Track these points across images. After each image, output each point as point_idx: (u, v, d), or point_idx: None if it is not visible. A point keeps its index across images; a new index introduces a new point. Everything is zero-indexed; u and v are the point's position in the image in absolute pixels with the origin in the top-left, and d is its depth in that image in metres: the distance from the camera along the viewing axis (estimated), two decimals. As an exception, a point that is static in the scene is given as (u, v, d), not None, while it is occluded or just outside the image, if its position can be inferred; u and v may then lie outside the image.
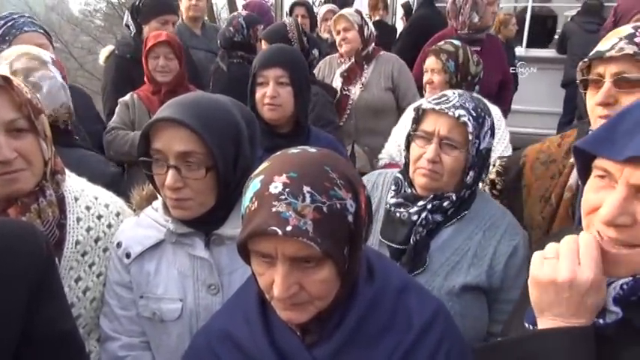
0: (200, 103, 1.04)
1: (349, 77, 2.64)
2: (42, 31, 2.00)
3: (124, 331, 1.12)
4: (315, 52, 2.45)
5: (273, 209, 0.75)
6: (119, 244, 1.12)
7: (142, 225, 1.13)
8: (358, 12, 2.70)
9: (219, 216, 1.08)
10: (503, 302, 1.18)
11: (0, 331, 0.81)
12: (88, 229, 1.13)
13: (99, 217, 1.16)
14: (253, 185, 0.79)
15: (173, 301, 1.09)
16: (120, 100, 2.37)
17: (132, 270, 1.11)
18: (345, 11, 2.72)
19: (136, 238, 1.11)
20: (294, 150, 0.83)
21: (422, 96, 2.35)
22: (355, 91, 2.61)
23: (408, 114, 2.23)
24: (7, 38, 1.84)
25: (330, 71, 2.75)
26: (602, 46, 1.13)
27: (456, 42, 2.11)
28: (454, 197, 1.21)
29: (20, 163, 1.00)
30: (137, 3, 2.83)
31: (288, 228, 0.73)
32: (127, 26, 2.89)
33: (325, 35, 3.78)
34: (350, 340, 0.84)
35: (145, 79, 2.40)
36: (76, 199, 1.14)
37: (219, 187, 1.05)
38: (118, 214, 1.20)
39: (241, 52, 2.70)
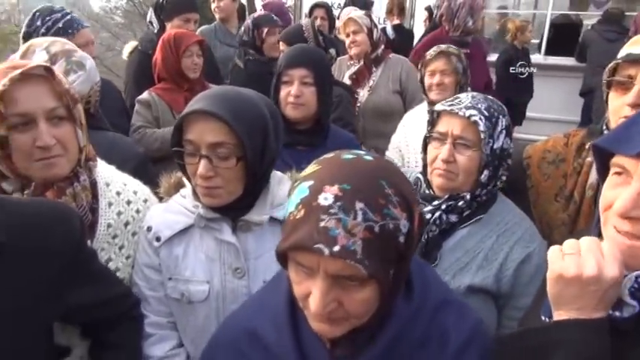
0: (230, 96, 1.09)
1: (358, 80, 2.67)
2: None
3: (152, 310, 1.18)
4: (332, 51, 2.51)
5: (322, 224, 0.70)
6: (149, 228, 1.17)
7: (171, 211, 1.19)
8: (367, 15, 2.74)
9: (245, 203, 1.14)
10: (513, 309, 1.19)
11: (36, 299, 0.88)
12: (119, 214, 1.18)
13: (128, 202, 1.21)
14: (300, 191, 0.74)
15: (200, 283, 1.14)
16: (138, 99, 2.42)
17: (161, 253, 1.16)
18: (354, 14, 2.75)
19: (165, 223, 1.16)
20: (347, 155, 0.77)
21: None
22: (363, 93, 2.65)
23: (406, 120, 2.29)
24: (69, 31, 1.95)
25: (340, 73, 2.80)
26: (634, 49, 1.15)
27: (453, 46, 2.18)
28: (468, 197, 1.23)
29: (58, 149, 1.06)
30: (161, 1, 2.91)
31: (336, 248, 0.69)
32: (151, 23, 2.96)
33: (342, 37, 3.84)
34: (384, 356, 0.81)
35: (166, 76, 2.42)
36: (107, 185, 1.20)
37: (247, 177, 1.10)
38: (145, 201, 1.26)
39: (252, 50, 2.81)
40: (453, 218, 1.25)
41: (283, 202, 1.16)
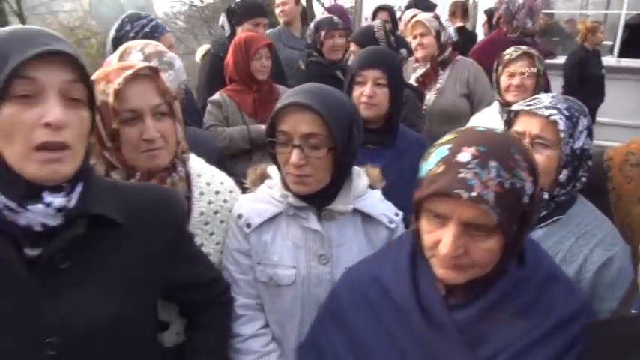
0: (321, 91, 1.16)
1: (424, 82, 2.68)
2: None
3: (241, 292, 1.26)
4: (404, 51, 2.53)
5: (460, 175, 0.81)
6: (240, 216, 1.26)
7: (260, 200, 1.27)
8: (436, 17, 2.73)
9: (330, 193, 1.21)
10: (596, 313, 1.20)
11: (147, 274, 0.97)
12: (209, 202, 1.27)
13: (217, 192, 1.30)
14: (439, 152, 0.86)
15: (287, 268, 1.21)
16: (210, 99, 2.55)
17: (251, 239, 1.24)
18: (422, 16, 2.76)
19: (255, 211, 1.25)
20: (480, 128, 0.90)
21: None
22: (430, 96, 2.65)
23: (474, 123, 2.24)
24: (154, 35, 2.10)
25: (406, 76, 2.79)
26: None
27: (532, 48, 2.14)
28: (546, 196, 1.23)
29: (161, 142, 1.16)
30: (233, 6, 3.05)
31: (473, 194, 0.79)
32: (222, 27, 3.11)
33: (409, 39, 3.85)
34: (490, 312, 0.89)
35: (236, 77, 2.54)
36: (199, 176, 1.29)
37: (335, 167, 1.17)
38: (230, 191, 1.34)
39: (315, 53, 2.89)
40: None
41: (363, 194, 1.25)
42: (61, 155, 0.81)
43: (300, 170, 1.15)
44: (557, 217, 1.25)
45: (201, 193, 1.27)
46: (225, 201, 1.31)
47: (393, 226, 1.26)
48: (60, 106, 0.80)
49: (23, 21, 9.72)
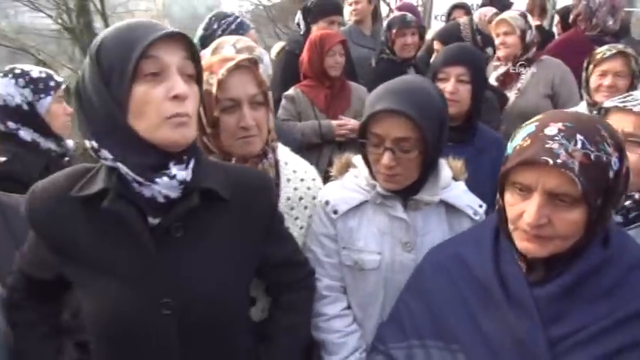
0: (413, 92, 1.18)
1: (505, 82, 2.62)
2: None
3: (326, 274, 1.33)
4: (490, 50, 2.49)
5: (547, 146, 0.85)
6: (327, 202, 1.32)
7: (347, 188, 1.33)
8: (523, 15, 2.65)
9: (417, 184, 1.25)
10: None
11: (248, 248, 1.05)
12: (295, 189, 1.35)
13: (302, 179, 1.38)
14: (527, 129, 0.91)
15: (372, 253, 1.27)
16: (285, 94, 2.64)
17: (337, 225, 1.31)
18: (508, 14, 2.69)
19: (342, 198, 1.31)
20: (567, 110, 0.94)
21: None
22: (510, 96, 2.58)
23: None
24: (240, 32, 2.22)
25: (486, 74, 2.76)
26: None
27: (629, 47, 2.03)
28: (637, 197, 1.21)
29: (255, 129, 1.24)
30: (309, 4, 3.14)
31: (559, 160, 0.83)
32: (298, 25, 3.21)
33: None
34: (570, 291, 0.90)
35: (312, 74, 2.62)
36: (286, 163, 1.37)
37: (424, 165, 1.20)
38: (313, 179, 1.42)
39: (388, 50, 2.92)
40: (618, 219, 1.23)
41: (447, 185, 1.28)
42: (186, 120, 0.91)
43: (391, 170, 1.19)
44: None
45: (288, 180, 1.34)
46: (308, 188, 1.38)
47: (477, 217, 1.28)
48: (181, 81, 0.91)
49: (105, 20, 10.36)
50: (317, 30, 2.95)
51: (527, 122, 0.93)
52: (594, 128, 0.87)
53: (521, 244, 0.91)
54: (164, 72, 0.90)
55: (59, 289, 1.12)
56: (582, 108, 2.10)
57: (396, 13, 3.24)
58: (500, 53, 2.65)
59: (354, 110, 2.61)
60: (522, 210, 0.88)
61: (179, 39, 0.92)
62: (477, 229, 1.10)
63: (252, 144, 1.25)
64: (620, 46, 2.03)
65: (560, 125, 0.86)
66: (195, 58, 0.95)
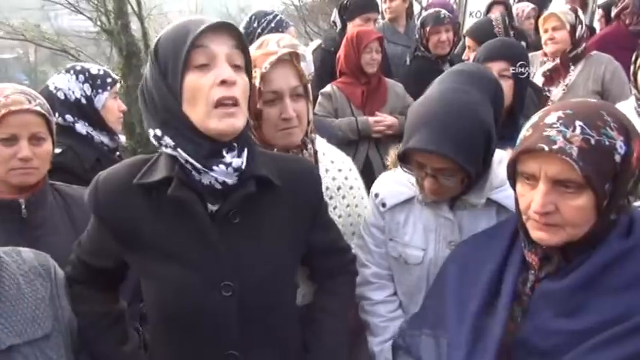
0: (452, 121, 1.10)
1: (552, 77, 2.57)
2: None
3: (374, 262, 1.37)
4: (523, 44, 2.46)
5: (545, 134, 0.87)
6: (377, 195, 1.36)
7: (398, 181, 1.36)
8: (574, 10, 2.59)
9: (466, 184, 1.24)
10: None
11: (298, 233, 1.10)
12: (333, 179, 1.39)
13: (339, 170, 1.42)
14: (531, 120, 0.93)
15: (417, 249, 1.30)
16: (321, 91, 2.67)
17: (386, 217, 1.34)
18: (558, 9, 2.64)
19: (391, 192, 1.34)
20: (576, 99, 0.95)
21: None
22: (557, 92, 2.54)
23: None
24: (279, 29, 2.30)
25: (532, 69, 2.68)
26: None
27: None
28: None
29: (296, 121, 1.28)
30: (345, 2, 3.16)
31: (555, 147, 0.84)
32: (334, 22, 3.24)
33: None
34: (585, 284, 0.89)
35: (347, 71, 2.65)
36: (324, 154, 1.41)
37: (470, 180, 1.18)
38: (350, 169, 1.46)
39: (422, 48, 2.91)
40: None
41: (502, 184, 1.23)
42: (234, 110, 0.96)
43: (434, 193, 1.21)
44: None
45: (327, 170, 1.38)
46: (346, 178, 1.42)
47: None
48: (230, 68, 0.96)
49: (142, 22, 10.62)
50: (353, 27, 2.98)
51: (536, 114, 0.95)
52: (596, 113, 0.86)
53: (534, 233, 0.92)
54: (213, 61, 0.95)
55: (116, 278, 1.18)
56: (631, 103, 2.05)
57: (430, 10, 3.22)
58: (548, 49, 2.60)
59: (390, 107, 2.63)
60: (531, 199, 0.89)
61: (227, 30, 0.96)
62: (496, 230, 1.11)
63: (294, 135, 1.28)
64: None
65: (560, 113, 0.87)
66: (244, 49, 1.00)
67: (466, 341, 0.96)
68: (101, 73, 1.93)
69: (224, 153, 0.97)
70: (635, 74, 2.01)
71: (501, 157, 1.27)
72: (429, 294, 1.19)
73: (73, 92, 1.86)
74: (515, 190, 0.96)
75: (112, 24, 10.16)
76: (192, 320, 1.00)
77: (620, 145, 0.85)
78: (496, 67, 1.73)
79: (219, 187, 0.98)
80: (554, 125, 0.86)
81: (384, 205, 1.33)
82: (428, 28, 2.87)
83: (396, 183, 1.35)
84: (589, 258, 0.90)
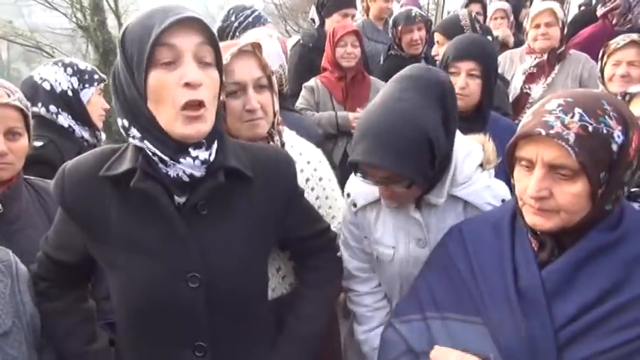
0: (391, 134, 1.08)
1: (533, 75, 2.56)
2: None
3: (357, 257, 1.39)
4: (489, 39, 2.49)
5: (543, 119, 0.88)
6: (349, 195, 1.36)
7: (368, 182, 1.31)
8: (561, 5, 2.63)
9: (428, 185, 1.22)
10: None
11: (271, 219, 1.09)
12: (301, 170, 1.37)
13: (308, 162, 1.41)
14: (533, 107, 0.95)
15: (387, 247, 1.31)
16: (305, 84, 2.68)
17: (358, 215, 1.35)
18: (552, 4, 2.59)
19: (360, 193, 1.33)
20: (578, 89, 0.95)
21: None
22: (537, 89, 2.53)
23: None
24: (256, 25, 2.26)
25: (511, 66, 2.73)
26: None
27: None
28: None
29: (260, 112, 1.26)
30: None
31: (552, 131, 0.85)
32: (312, 20, 3.25)
33: (495, 32, 3.75)
34: (572, 270, 0.91)
35: (328, 66, 2.67)
36: (292, 146, 1.39)
37: (422, 185, 1.17)
38: (320, 161, 1.45)
39: (396, 47, 2.92)
40: (636, 206, 1.24)
41: (467, 180, 1.23)
42: (200, 113, 0.93)
43: (389, 198, 1.23)
44: None
45: (295, 163, 1.38)
46: (315, 169, 1.42)
47: None
48: (195, 67, 0.92)
49: (119, 18, 10.46)
50: (330, 24, 2.99)
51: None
52: (596, 102, 0.88)
53: (529, 217, 0.93)
54: (179, 59, 0.91)
55: (84, 275, 1.16)
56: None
57: (401, 9, 3.23)
58: (538, 44, 2.53)
59: (372, 104, 2.64)
60: (527, 185, 0.91)
61: (194, 24, 0.91)
62: (497, 211, 1.12)
63: (259, 126, 1.27)
64: (635, 36, 2.02)
65: (560, 100, 0.89)
66: (213, 44, 0.95)
67: (515, 321, 0.94)
68: (89, 69, 1.92)
69: (190, 150, 0.95)
70: (602, 70, 2.07)
71: (470, 151, 1.26)
72: (423, 276, 1.16)
73: (60, 84, 1.84)
74: (512, 175, 0.97)
75: (87, 20, 9.98)
76: (159, 312, 0.99)
77: (617, 135, 0.86)
78: (465, 67, 1.74)
79: (186, 179, 0.96)
80: (554, 112, 0.87)
81: (354, 205, 1.34)
82: (400, 28, 2.86)
83: (366, 183, 1.29)
84: (576, 244, 0.91)
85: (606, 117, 0.86)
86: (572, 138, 0.84)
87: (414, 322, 1.10)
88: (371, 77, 2.71)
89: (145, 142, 0.94)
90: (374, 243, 1.32)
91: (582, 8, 4.22)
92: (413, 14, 2.88)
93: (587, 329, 0.89)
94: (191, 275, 0.98)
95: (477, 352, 0.97)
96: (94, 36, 9.77)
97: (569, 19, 4.34)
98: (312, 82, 2.66)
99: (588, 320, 0.89)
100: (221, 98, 1.22)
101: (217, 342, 1.02)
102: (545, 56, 2.53)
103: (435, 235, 1.25)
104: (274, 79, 1.33)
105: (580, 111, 0.86)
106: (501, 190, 1.26)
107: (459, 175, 1.23)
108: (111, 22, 10.33)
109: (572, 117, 0.86)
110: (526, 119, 0.93)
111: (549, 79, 2.53)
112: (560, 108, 0.88)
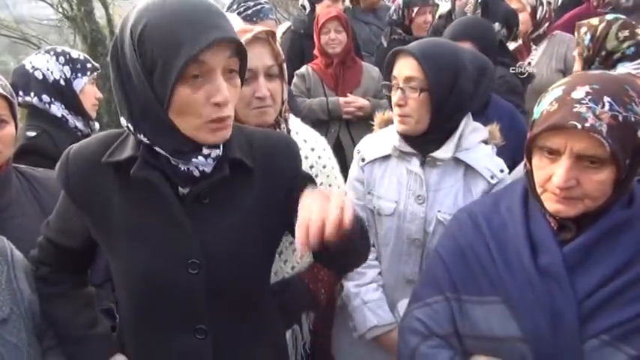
0: (431, 42, 1.34)
1: (516, 59, 2.57)
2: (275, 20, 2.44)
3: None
4: (496, 25, 2.48)
5: (575, 109, 0.86)
6: (359, 151, 1.49)
7: (379, 140, 1.48)
8: None
9: (433, 140, 1.32)
10: None
11: (273, 207, 1.06)
12: (306, 157, 1.39)
13: (312, 149, 1.43)
14: (553, 93, 0.92)
15: (390, 201, 1.41)
16: (296, 72, 2.68)
17: (365, 171, 1.46)
18: None
19: (371, 149, 1.46)
20: (594, 71, 0.97)
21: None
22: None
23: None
24: (254, 19, 2.26)
25: None
26: None
27: (610, 16, 2.03)
28: None
29: (269, 100, 1.27)
30: (311, -17, 3.15)
31: (587, 124, 0.84)
32: (303, 6, 3.23)
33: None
34: (591, 246, 0.93)
35: (317, 53, 2.67)
36: (297, 133, 1.41)
37: (432, 111, 1.28)
38: (324, 149, 1.46)
39: (400, 30, 2.90)
40: None
41: (471, 147, 1.35)
42: (226, 124, 0.93)
43: (401, 110, 1.32)
44: None
45: (299, 149, 1.39)
46: (319, 157, 1.43)
47: (494, 181, 1.33)
48: (224, 86, 0.90)
49: (106, 8, 10.31)
50: (320, 9, 2.98)
51: (553, 86, 0.94)
52: (622, 89, 0.87)
53: (551, 205, 0.93)
54: (208, 74, 0.88)
55: (85, 260, 1.16)
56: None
57: None
58: None
59: (363, 89, 2.63)
60: (551, 173, 0.90)
61: (225, 43, 0.89)
62: (504, 194, 1.11)
63: (267, 114, 1.28)
64: (611, 16, 2.00)
65: (587, 88, 0.87)
66: (240, 54, 0.94)
67: (537, 297, 0.95)
68: (81, 58, 1.90)
69: (203, 148, 0.95)
70: (580, 55, 2.08)
71: (476, 127, 1.39)
72: (438, 255, 1.14)
73: (52, 73, 1.82)
74: (529, 161, 0.96)
75: (74, 11, 9.84)
76: (159, 296, 1.00)
77: None
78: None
79: (197, 174, 0.96)
80: (583, 101, 0.85)
81: (363, 159, 1.45)
82: (416, 9, 2.88)
83: (377, 142, 1.46)
84: (594, 224, 0.93)
85: (633, 104, 0.87)
86: (605, 129, 0.84)
87: (434, 304, 1.08)
88: (363, 63, 2.70)
89: (156, 147, 0.93)
90: (377, 198, 1.42)
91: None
92: None
93: (606, 301, 0.91)
94: (190, 261, 0.98)
95: (499, 331, 0.97)
96: (81, 26, 9.64)
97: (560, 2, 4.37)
98: (304, 69, 2.66)
99: (607, 292, 0.91)
100: None
101: (218, 325, 1.03)
102: (521, 40, 2.63)
103: (434, 194, 1.35)
104: (284, 67, 1.35)
105: (609, 100, 0.85)
106: (501, 162, 1.36)
107: (464, 142, 1.35)
108: (98, 12, 10.19)
109: (602, 107, 0.85)
110: (548, 107, 0.90)
111: (529, 60, 2.61)
112: (590, 97, 0.86)
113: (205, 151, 0.95)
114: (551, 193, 0.91)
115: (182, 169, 0.96)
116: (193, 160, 0.94)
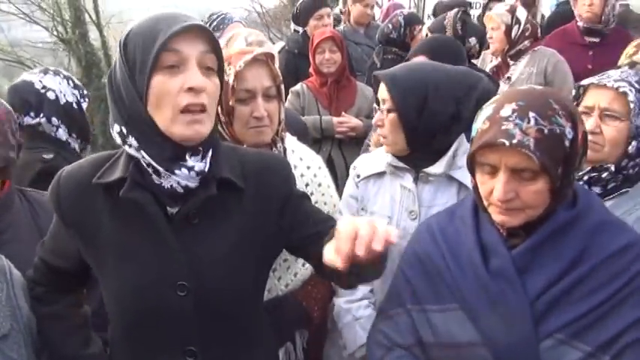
0: (404, 66, 1.40)
1: (497, 74, 2.77)
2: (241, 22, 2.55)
3: None
4: (472, 40, 2.57)
5: (503, 127, 0.93)
6: (354, 167, 1.53)
7: (374, 157, 1.52)
8: (512, 10, 2.75)
9: (425, 158, 1.36)
10: None
11: (265, 227, 1.06)
12: (302, 175, 1.43)
13: (308, 167, 1.47)
14: (486, 111, 1.00)
15: (383, 217, 1.40)
16: (291, 89, 2.70)
17: (360, 187, 1.49)
18: (494, 11, 2.83)
19: (365, 166, 1.50)
20: (522, 87, 1.02)
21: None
22: (502, 86, 2.62)
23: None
24: (221, 27, 2.37)
25: (484, 67, 2.92)
26: None
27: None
28: (613, 168, 1.28)
29: (267, 120, 1.32)
30: (295, 11, 3.24)
31: (514, 141, 0.91)
32: (296, 31, 3.29)
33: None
34: (537, 247, 0.99)
35: (313, 72, 2.70)
36: (293, 152, 1.45)
37: (406, 131, 1.35)
38: (319, 167, 1.51)
39: (395, 48, 2.92)
40: (597, 190, 1.29)
41: (465, 166, 1.30)
42: (201, 117, 0.94)
43: (380, 130, 1.40)
44: (626, 190, 1.29)
45: (295, 167, 1.41)
46: (315, 175, 1.47)
47: None
48: (199, 73, 0.93)
49: (101, 31, 10.41)
50: (310, 29, 3.04)
51: (486, 104, 1.01)
52: (546, 102, 0.94)
53: (496, 217, 0.99)
54: (183, 64, 0.92)
55: (79, 281, 1.16)
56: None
57: (405, 10, 3.30)
58: (491, 48, 2.81)
59: (357, 109, 2.65)
60: (492, 187, 0.96)
61: (200, 32, 0.94)
62: (458, 207, 1.18)
63: (264, 134, 1.33)
64: None
65: (513, 105, 0.93)
66: (216, 51, 0.97)
67: (490, 300, 1.00)
68: (80, 84, 1.94)
69: (187, 157, 0.96)
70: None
71: (467, 149, 1.39)
72: (400, 270, 1.19)
73: (65, 95, 1.81)
74: (474, 177, 1.03)
75: (69, 34, 9.93)
76: (149, 318, 1.00)
77: (568, 131, 0.94)
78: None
79: (180, 190, 0.96)
80: (510, 118, 0.92)
81: (358, 176, 1.48)
82: (418, 27, 2.92)
83: (373, 159, 1.51)
84: (540, 227, 0.99)
85: (557, 116, 0.93)
86: (532, 143, 0.90)
87: (396, 316, 1.14)
88: (358, 82, 2.74)
89: (142, 152, 0.94)
90: (370, 214, 1.43)
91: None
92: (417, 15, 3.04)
93: (557, 300, 0.96)
94: (179, 284, 0.98)
95: (459, 337, 1.02)
96: (75, 49, 9.72)
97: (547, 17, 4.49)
98: (299, 86, 2.69)
99: (557, 291, 0.96)
100: (230, 103, 1.28)
101: (208, 346, 1.02)
102: (499, 58, 2.77)
103: (426, 210, 1.36)
104: (282, 87, 1.40)
105: (534, 115, 0.92)
106: None
107: (459, 161, 1.36)
108: (93, 34, 10.29)
109: (528, 122, 0.91)
110: (482, 125, 0.97)
111: (509, 74, 2.71)
112: (516, 114, 0.92)
113: (189, 162, 0.95)
114: (495, 205, 0.98)
115: (166, 186, 0.96)
116: (176, 172, 0.95)
